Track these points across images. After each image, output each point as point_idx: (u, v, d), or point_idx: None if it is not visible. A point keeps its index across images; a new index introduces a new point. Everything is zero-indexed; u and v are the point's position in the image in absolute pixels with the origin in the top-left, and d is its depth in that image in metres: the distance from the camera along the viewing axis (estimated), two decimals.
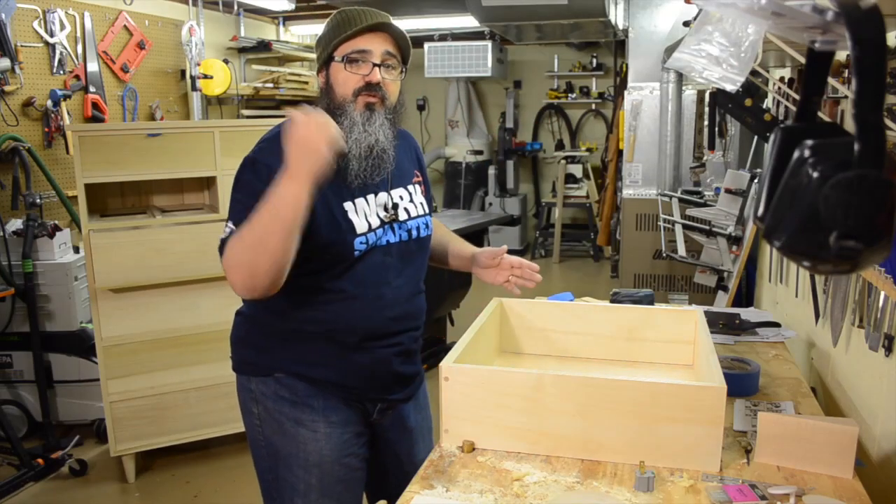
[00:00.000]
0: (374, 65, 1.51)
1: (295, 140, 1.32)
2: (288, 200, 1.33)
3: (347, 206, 1.54)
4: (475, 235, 4.44)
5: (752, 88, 2.59)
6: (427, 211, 1.72)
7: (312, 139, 1.32)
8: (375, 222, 1.57)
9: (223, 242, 1.44)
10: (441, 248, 1.87)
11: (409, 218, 1.65)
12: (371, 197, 1.58)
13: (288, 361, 1.60)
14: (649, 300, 2.04)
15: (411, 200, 1.67)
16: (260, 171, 1.48)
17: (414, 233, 1.65)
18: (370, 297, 1.57)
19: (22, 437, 3.34)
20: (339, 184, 1.53)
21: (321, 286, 1.53)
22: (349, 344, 1.57)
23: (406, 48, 1.57)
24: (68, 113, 4.13)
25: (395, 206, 1.62)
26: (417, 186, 1.71)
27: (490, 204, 7.67)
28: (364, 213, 1.56)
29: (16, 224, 3.48)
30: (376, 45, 1.51)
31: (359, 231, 1.54)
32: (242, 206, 1.45)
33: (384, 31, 1.52)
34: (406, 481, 1.39)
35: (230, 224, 1.46)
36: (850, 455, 1.31)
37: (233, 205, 1.50)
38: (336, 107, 1.52)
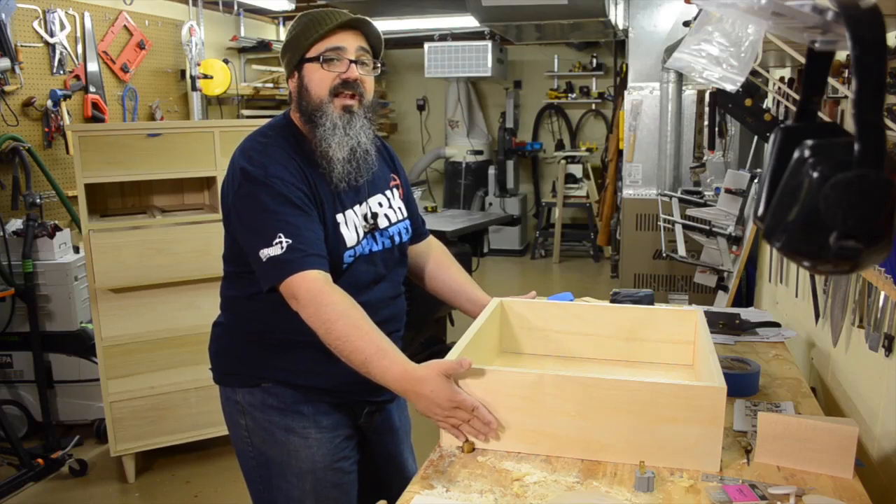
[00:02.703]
0: (351, 61, 1.49)
1: (439, 406, 1.35)
2: (385, 379, 1.37)
3: (339, 218, 1.54)
4: (475, 235, 4.44)
5: (752, 88, 2.59)
6: (406, 215, 1.70)
7: (439, 414, 1.36)
8: (361, 233, 1.57)
9: (285, 263, 1.39)
10: (456, 287, 1.81)
11: (390, 224, 1.64)
12: (357, 208, 1.58)
13: (275, 370, 1.58)
14: (649, 300, 2.04)
15: (390, 206, 1.66)
16: (277, 184, 1.45)
17: (396, 239, 1.65)
18: None
19: (22, 437, 3.34)
20: (330, 198, 1.53)
21: None
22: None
23: (378, 44, 1.56)
24: (68, 113, 4.13)
25: (375, 215, 1.60)
26: (395, 191, 1.70)
27: (490, 204, 7.67)
28: (354, 226, 1.56)
29: (16, 224, 3.48)
30: (350, 42, 1.49)
31: (349, 244, 1.54)
32: (282, 216, 1.42)
33: (358, 27, 1.51)
34: (398, 480, 1.38)
35: (283, 238, 1.40)
36: (850, 455, 1.31)
37: (268, 218, 1.43)
38: (314, 109, 1.49)
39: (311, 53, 1.49)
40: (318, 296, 1.39)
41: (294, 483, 1.61)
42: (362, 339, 1.38)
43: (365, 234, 1.58)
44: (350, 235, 1.54)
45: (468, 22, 5.98)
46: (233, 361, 1.65)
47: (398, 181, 1.73)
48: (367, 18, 1.52)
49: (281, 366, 1.57)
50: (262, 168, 1.47)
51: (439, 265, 1.83)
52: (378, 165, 1.65)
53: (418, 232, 1.79)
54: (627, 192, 4.52)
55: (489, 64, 7.14)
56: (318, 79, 1.49)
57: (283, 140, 1.54)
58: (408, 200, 1.76)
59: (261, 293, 1.48)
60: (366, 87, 1.52)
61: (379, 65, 1.57)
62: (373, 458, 1.77)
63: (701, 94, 4.11)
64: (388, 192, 1.68)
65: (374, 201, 1.62)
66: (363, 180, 1.57)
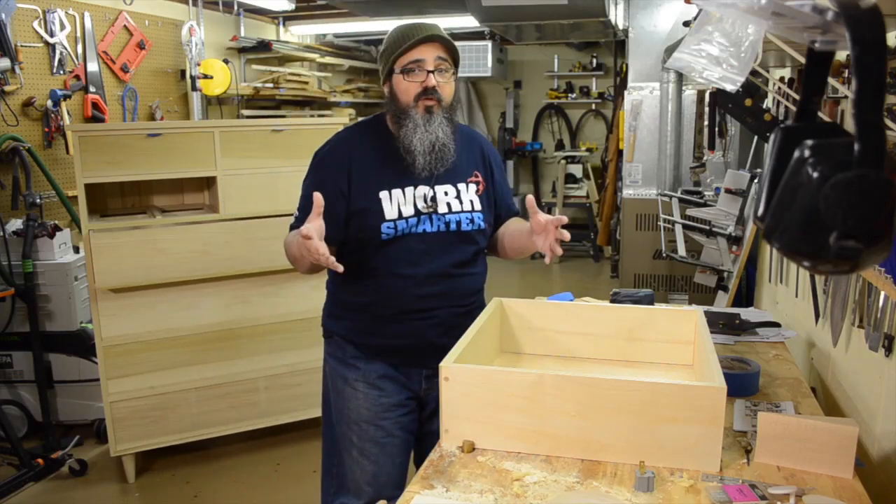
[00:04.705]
0: (429, 72, 1.71)
1: (296, 241, 1.59)
2: (304, 260, 1.62)
3: (383, 194, 1.74)
4: None
5: (752, 88, 2.59)
6: (477, 208, 1.82)
7: (300, 249, 1.56)
8: (409, 211, 1.75)
9: (290, 226, 1.79)
10: (508, 237, 1.92)
11: (450, 212, 1.79)
12: (409, 189, 1.76)
13: (342, 327, 1.87)
14: (649, 300, 2.04)
15: (457, 197, 1.81)
16: (317, 165, 1.81)
17: (453, 225, 1.78)
18: (400, 276, 1.76)
19: (22, 437, 3.33)
20: (379, 175, 1.75)
21: (360, 265, 1.76)
22: (386, 315, 1.79)
23: (455, 52, 1.76)
24: (68, 113, 4.13)
25: (434, 199, 1.76)
26: (472, 185, 1.84)
27: None
28: (398, 203, 1.75)
29: (16, 224, 3.47)
30: (429, 54, 1.71)
31: (387, 217, 1.73)
32: (302, 194, 1.80)
33: (434, 40, 1.71)
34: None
35: (297, 214, 1.77)
36: (850, 455, 1.31)
37: (302, 194, 1.81)
38: (401, 112, 1.74)
39: (398, 66, 1.73)
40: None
41: (344, 431, 1.84)
42: (290, 249, 1.72)
43: (419, 213, 1.76)
44: (390, 210, 1.74)
45: (468, 22, 5.97)
46: (325, 315, 1.94)
47: (480, 178, 1.87)
48: (443, 32, 1.73)
49: (347, 324, 1.86)
50: (322, 149, 1.83)
51: (503, 229, 1.95)
52: (465, 159, 1.84)
53: (509, 215, 1.97)
54: (627, 192, 4.52)
55: (489, 64, 7.14)
56: (403, 89, 1.73)
57: (356, 130, 1.86)
58: (499, 192, 1.92)
59: (336, 259, 1.76)
60: (444, 91, 1.74)
61: (456, 70, 1.78)
62: (426, 429, 1.90)
63: (701, 94, 4.12)
64: (461, 185, 1.82)
65: (440, 189, 1.79)
66: (443, 169, 1.76)
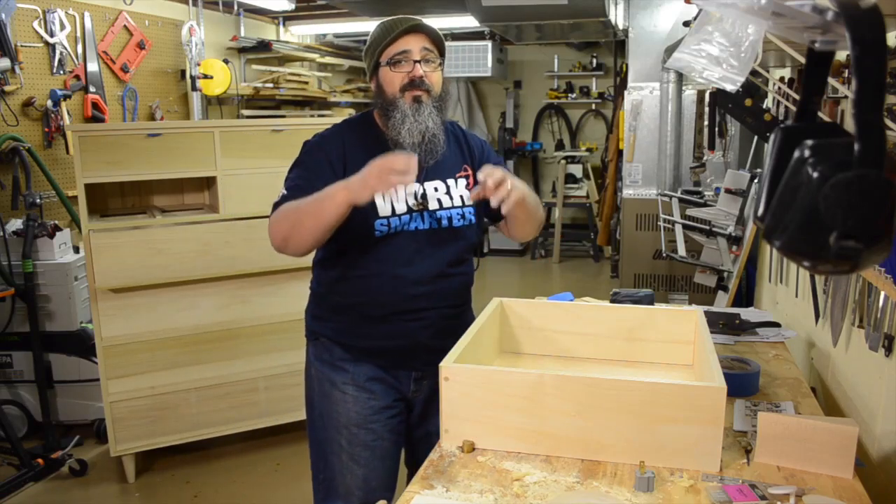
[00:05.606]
0: (415, 62, 1.69)
1: (381, 166, 1.50)
2: (336, 201, 1.55)
3: None
4: None
5: (752, 88, 2.58)
6: (468, 203, 1.79)
7: (390, 173, 1.49)
8: (402, 209, 1.71)
9: (275, 204, 1.69)
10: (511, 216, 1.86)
11: (441, 208, 1.76)
12: (401, 186, 1.70)
13: (329, 328, 1.82)
14: (649, 300, 2.04)
15: (447, 192, 1.78)
16: (311, 150, 1.76)
17: (445, 222, 1.76)
18: (392, 276, 1.72)
19: (22, 437, 3.34)
20: None
21: (350, 264, 1.72)
22: (376, 316, 1.75)
23: (441, 42, 1.75)
24: (68, 113, 4.13)
25: (424, 196, 1.73)
26: (461, 180, 1.81)
27: None
28: (391, 199, 1.71)
29: (16, 224, 3.48)
30: (414, 45, 1.69)
31: (381, 214, 1.69)
32: (293, 175, 1.74)
33: (419, 31, 1.70)
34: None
35: (283, 190, 1.71)
36: (850, 455, 1.31)
37: (287, 175, 1.76)
38: (388, 104, 1.71)
39: (383, 59, 1.72)
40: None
41: (333, 435, 1.80)
42: (300, 207, 1.61)
43: (411, 210, 1.72)
44: (384, 206, 1.70)
45: (468, 22, 5.97)
46: (309, 317, 1.89)
47: (469, 172, 1.83)
48: (425, 22, 1.72)
49: (334, 325, 1.81)
50: (313, 140, 1.79)
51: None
52: (451, 154, 1.81)
53: None
54: (627, 192, 4.52)
55: (489, 64, 7.14)
56: (390, 80, 1.71)
57: (346, 127, 1.82)
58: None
59: (324, 259, 1.78)
60: (432, 81, 1.72)
61: (443, 60, 1.76)
62: (415, 431, 1.88)
63: (701, 94, 4.11)
64: (450, 180, 1.79)
65: (430, 185, 1.76)
66: (432, 161, 1.73)
